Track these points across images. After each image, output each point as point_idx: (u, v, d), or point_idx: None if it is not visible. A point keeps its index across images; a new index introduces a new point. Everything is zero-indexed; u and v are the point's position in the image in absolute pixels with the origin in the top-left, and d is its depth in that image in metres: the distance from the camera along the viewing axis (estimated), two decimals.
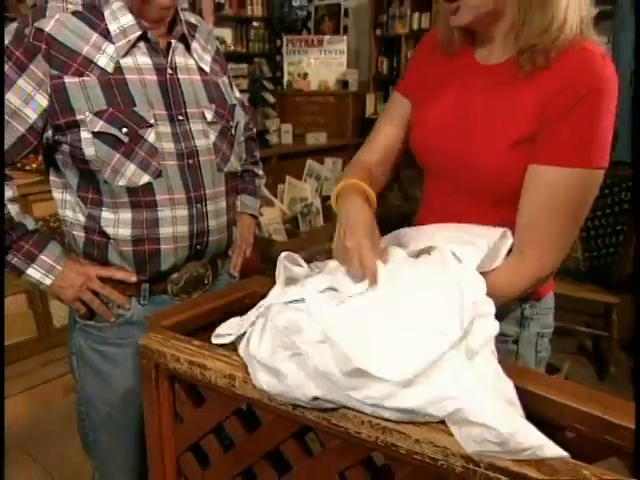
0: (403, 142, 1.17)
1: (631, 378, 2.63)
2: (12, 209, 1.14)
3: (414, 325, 0.73)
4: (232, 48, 4.78)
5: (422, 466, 0.67)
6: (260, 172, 1.55)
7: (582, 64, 0.88)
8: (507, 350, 1.05)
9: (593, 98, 0.87)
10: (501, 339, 1.00)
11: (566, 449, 0.67)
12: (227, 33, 4.80)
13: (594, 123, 0.88)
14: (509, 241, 0.93)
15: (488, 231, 0.92)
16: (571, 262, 2.58)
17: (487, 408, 0.65)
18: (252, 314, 0.89)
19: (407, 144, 1.16)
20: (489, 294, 0.80)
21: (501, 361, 0.74)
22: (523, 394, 0.76)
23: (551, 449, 0.63)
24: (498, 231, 0.92)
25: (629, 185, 2.53)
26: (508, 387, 0.70)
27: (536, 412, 0.77)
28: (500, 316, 1.01)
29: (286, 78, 4.82)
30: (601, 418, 0.73)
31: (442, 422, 0.68)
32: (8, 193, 1.14)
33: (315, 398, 0.72)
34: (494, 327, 0.76)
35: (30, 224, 1.16)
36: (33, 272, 1.15)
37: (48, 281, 1.15)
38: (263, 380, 0.75)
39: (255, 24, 4.88)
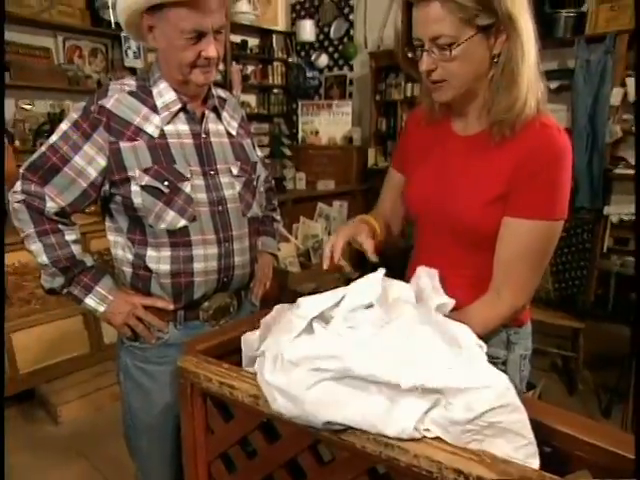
0: (401, 207, 1.19)
1: (595, 392, 2.58)
2: (75, 249, 1.16)
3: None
4: (256, 110, 4.86)
5: (419, 477, 0.66)
6: (278, 217, 1.56)
7: (543, 137, 0.90)
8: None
9: (553, 165, 0.89)
10: (492, 361, 0.99)
11: (543, 462, 0.66)
12: (252, 98, 4.90)
13: (554, 184, 0.90)
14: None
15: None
16: (544, 292, 2.56)
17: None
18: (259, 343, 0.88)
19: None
20: (471, 325, 0.79)
21: None
22: None
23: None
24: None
25: (590, 227, 2.52)
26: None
27: None
28: (490, 341, 1.01)
29: (301, 135, 4.88)
30: (571, 436, 0.72)
31: (438, 440, 0.67)
32: (72, 236, 1.16)
33: (326, 422, 0.70)
34: None
35: (89, 261, 1.18)
36: (90, 301, 1.16)
37: (102, 308, 1.17)
38: (280, 404, 0.74)
39: (275, 91, 4.97)
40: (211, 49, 1.05)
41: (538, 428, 0.72)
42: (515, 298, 0.94)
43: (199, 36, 1.04)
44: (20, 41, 3.15)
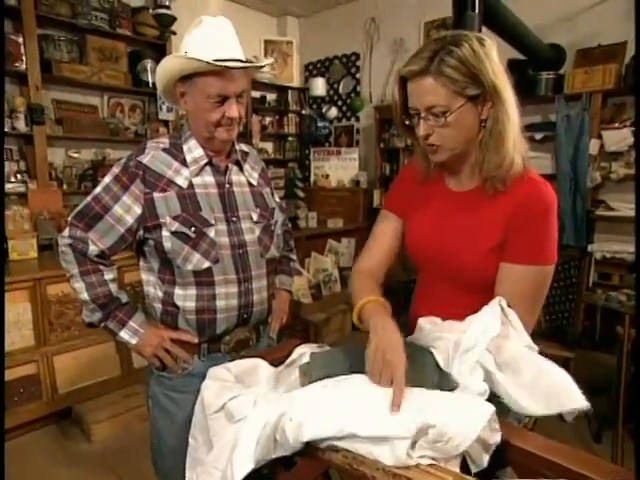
0: (395, 247, 1.13)
1: (586, 418, 2.48)
2: (112, 287, 1.17)
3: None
4: (273, 156, 4.94)
5: None
6: (294, 257, 1.56)
7: (532, 189, 0.91)
8: (496, 401, 1.01)
9: (542, 216, 0.90)
10: (491, 396, 0.97)
11: None
12: (269, 145, 4.99)
13: (544, 233, 0.90)
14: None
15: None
16: (536, 324, 2.51)
17: None
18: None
19: (399, 247, 1.13)
20: None
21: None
22: (504, 445, 0.73)
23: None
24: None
25: (576, 263, 2.49)
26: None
27: (511, 459, 0.74)
28: None
29: (313, 178, 4.94)
30: (564, 467, 0.70)
31: (441, 470, 0.66)
32: (110, 275, 1.18)
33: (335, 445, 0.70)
34: None
35: (124, 298, 1.19)
36: (124, 334, 1.17)
37: (134, 341, 1.17)
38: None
39: (290, 139, 5.05)
40: (233, 110, 1.09)
41: (534, 459, 0.71)
42: None
43: (223, 100, 1.08)
44: (73, 100, 3.30)
